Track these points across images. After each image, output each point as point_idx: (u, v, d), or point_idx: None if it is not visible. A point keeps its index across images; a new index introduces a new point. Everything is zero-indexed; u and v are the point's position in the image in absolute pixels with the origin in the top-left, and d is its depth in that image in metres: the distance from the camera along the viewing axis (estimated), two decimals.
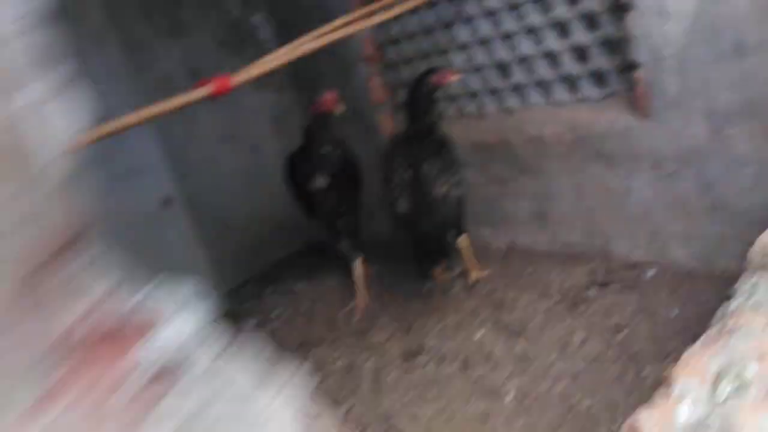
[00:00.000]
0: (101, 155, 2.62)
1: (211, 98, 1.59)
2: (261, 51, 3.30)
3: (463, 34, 2.46)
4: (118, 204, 2.72)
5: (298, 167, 2.57)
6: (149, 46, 2.97)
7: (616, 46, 1.98)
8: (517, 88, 2.39)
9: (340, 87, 3.13)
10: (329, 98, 2.45)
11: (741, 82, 1.67)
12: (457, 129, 2.65)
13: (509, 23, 2.28)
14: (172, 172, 2.97)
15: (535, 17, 2.18)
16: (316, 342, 2.51)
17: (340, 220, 2.69)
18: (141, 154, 2.77)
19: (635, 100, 1.94)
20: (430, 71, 2.30)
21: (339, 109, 2.44)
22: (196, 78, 3.12)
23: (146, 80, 2.97)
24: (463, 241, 2.45)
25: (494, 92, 2.49)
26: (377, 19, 2.22)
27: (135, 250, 2.83)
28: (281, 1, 3.22)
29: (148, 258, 2.77)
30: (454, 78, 2.28)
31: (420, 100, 2.31)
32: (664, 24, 1.74)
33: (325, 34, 1.90)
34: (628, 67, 1.94)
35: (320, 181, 2.49)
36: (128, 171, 2.74)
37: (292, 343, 2.55)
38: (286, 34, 3.24)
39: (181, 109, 1.54)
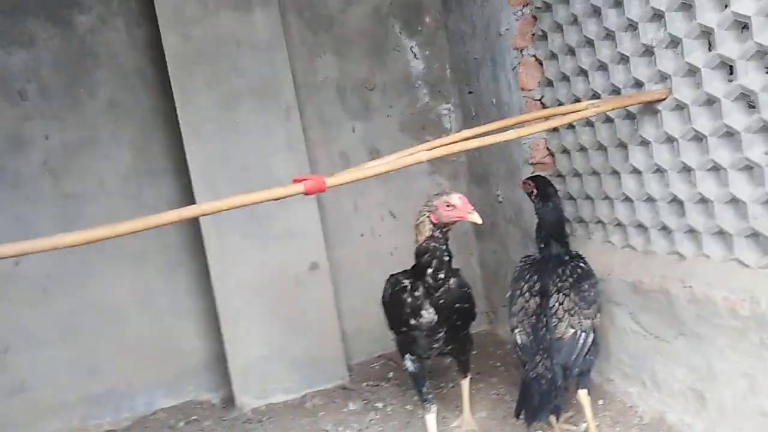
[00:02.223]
0: (266, 215, 2.95)
1: (306, 194, 1.60)
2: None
3: (638, 157, 2.11)
4: (271, 260, 2.98)
5: (401, 293, 2.10)
6: (336, 123, 3.25)
7: None
8: (693, 232, 1.93)
9: (507, 188, 3.00)
10: (458, 203, 1.90)
11: None
12: (616, 261, 2.28)
13: (690, 155, 1.87)
14: (327, 237, 3.14)
15: (722, 154, 1.75)
16: None
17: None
18: (301, 217, 2.99)
19: None
20: (538, 178, 2.20)
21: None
22: (374, 156, 3.35)
23: (327, 152, 3.25)
24: (583, 396, 2.03)
25: (665, 230, 2.05)
26: (547, 125, 2.05)
27: (282, 304, 3.07)
28: (468, 96, 3.23)
29: (288, 315, 3.03)
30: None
31: (547, 217, 2.13)
32: None
33: (471, 137, 1.79)
34: None
35: (428, 316, 2.05)
36: (286, 232, 2.99)
37: None
38: (469, 126, 3.27)
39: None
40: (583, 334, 2.00)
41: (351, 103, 3.30)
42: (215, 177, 2.88)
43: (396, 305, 2.14)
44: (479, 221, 1.92)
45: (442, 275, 2.01)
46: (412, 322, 2.08)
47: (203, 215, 2.69)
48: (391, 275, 2.25)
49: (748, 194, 1.68)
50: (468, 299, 2.19)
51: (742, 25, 1.62)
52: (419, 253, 2.03)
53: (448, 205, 1.92)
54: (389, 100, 3.36)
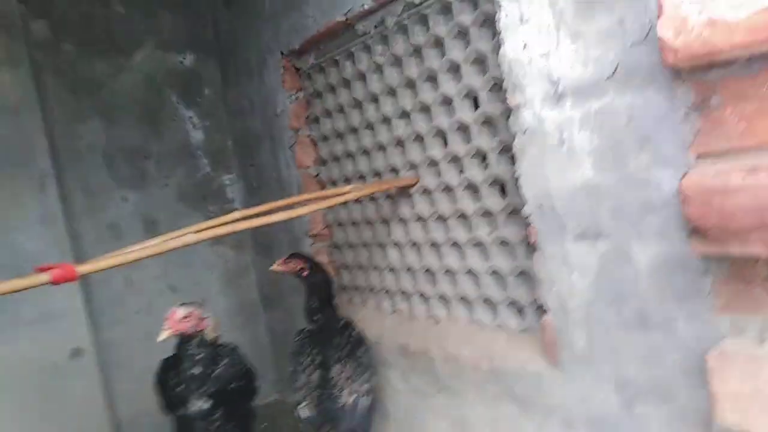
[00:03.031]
0: (14, 297, 2.55)
1: (53, 284, 1.46)
2: (224, 209, 3.36)
3: (398, 232, 2.37)
4: (21, 351, 2.59)
5: (165, 381, 2.13)
6: (105, 192, 3.01)
7: (530, 281, 1.83)
8: (444, 299, 2.22)
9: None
10: (190, 317, 2.02)
11: (649, 357, 1.46)
12: (386, 326, 2.48)
13: (437, 233, 2.18)
14: (94, 318, 2.85)
15: (459, 233, 2.08)
16: None
17: None
18: (59, 298, 2.65)
19: (545, 345, 1.73)
20: (298, 255, 2.29)
21: (208, 329, 2.07)
22: (150, 227, 3.16)
23: (94, 224, 2.98)
24: None
25: (423, 297, 2.33)
26: (324, 204, 2.15)
27: (37, 400, 2.65)
28: (250, 168, 3.29)
29: (45, 411, 2.62)
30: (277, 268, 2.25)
31: (322, 286, 2.24)
32: (570, 274, 1.59)
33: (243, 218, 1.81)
34: (539, 308, 1.76)
35: (197, 404, 2.06)
36: (41, 316, 2.63)
37: None
38: (252, 197, 3.31)
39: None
40: (363, 398, 2.13)
41: (122, 172, 3.09)
42: None
43: (162, 392, 2.13)
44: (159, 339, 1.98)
45: (194, 371, 2.04)
46: (181, 411, 2.06)
47: None
48: (163, 359, 2.18)
49: (480, 266, 2.02)
50: (244, 376, 2.21)
51: (465, 128, 1.98)
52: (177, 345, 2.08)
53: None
54: (166, 169, 3.23)
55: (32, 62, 2.73)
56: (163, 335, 1.96)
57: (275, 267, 2.26)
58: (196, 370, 2.05)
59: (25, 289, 1.45)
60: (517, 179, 1.70)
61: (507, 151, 1.81)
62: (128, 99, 3.12)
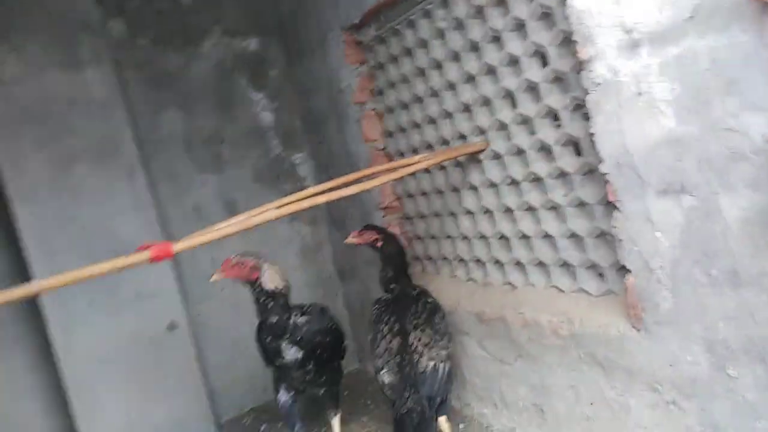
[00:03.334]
0: (115, 278, 2.78)
1: (153, 261, 1.58)
2: (297, 187, 3.46)
3: (469, 200, 2.35)
4: (124, 325, 2.82)
5: (260, 336, 2.29)
6: (187, 177, 3.18)
7: (610, 243, 1.76)
8: (519, 265, 2.19)
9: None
10: (243, 264, 2.15)
11: (741, 317, 1.37)
12: (462, 294, 2.48)
13: (510, 198, 2.14)
14: (185, 295, 3.04)
15: (532, 197, 2.03)
16: None
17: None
18: (154, 277, 2.86)
19: (627, 307, 1.68)
20: (371, 226, 2.36)
21: (264, 279, 2.15)
22: (229, 208, 3.31)
23: (180, 208, 3.16)
24: (444, 423, 2.18)
25: (498, 263, 2.30)
26: (394, 175, 2.17)
27: (139, 370, 2.90)
28: (319, 146, 3.35)
29: (147, 380, 2.86)
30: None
31: (396, 257, 2.27)
32: (653, 232, 1.52)
33: (323, 192, 1.88)
34: (621, 269, 1.70)
35: (290, 354, 2.21)
36: (139, 294, 2.84)
37: None
38: (322, 174, 3.39)
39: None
40: (442, 364, 2.16)
41: (201, 157, 3.24)
42: (53, 243, 2.68)
43: (260, 346, 2.29)
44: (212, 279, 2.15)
45: (272, 318, 2.17)
46: (277, 361, 2.23)
47: (36, 295, 2.52)
48: (258, 322, 2.34)
49: (556, 230, 1.96)
50: (330, 332, 2.36)
51: (534, 87, 1.91)
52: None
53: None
54: (241, 151, 3.36)
55: (113, 59, 2.90)
56: (214, 276, 2.11)
57: (350, 239, 2.31)
58: (273, 318, 2.17)
59: (130, 266, 1.58)
60: (591, 136, 1.64)
61: (580, 108, 1.73)
62: (201, 87, 3.26)
